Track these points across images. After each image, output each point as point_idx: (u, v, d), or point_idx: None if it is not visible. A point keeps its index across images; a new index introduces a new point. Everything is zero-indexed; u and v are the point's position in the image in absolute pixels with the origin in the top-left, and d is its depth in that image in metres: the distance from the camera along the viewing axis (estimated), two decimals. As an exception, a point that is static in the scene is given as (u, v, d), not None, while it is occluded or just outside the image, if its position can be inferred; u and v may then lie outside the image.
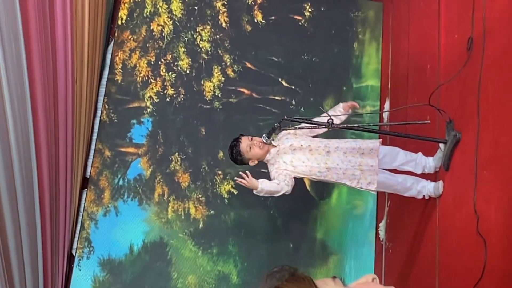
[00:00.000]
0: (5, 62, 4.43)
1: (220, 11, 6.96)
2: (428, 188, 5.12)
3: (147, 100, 6.64)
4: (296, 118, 4.97)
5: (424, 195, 5.17)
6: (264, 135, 4.94)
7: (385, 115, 6.67)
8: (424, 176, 5.24)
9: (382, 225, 6.41)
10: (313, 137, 5.20)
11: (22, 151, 4.82)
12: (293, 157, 4.92)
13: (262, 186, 4.75)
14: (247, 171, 4.81)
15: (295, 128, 5.04)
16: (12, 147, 4.62)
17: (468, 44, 4.95)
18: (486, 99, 4.54)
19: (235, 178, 4.89)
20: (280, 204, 6.38)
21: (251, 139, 5.02)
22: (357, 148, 5.02)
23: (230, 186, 6.37)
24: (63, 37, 5.42)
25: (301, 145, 4.98)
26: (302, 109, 6.68)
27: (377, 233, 6.55)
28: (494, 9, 4.64)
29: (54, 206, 5.64)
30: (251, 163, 5.11)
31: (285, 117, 4.93)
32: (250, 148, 4.95)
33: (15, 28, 4.59)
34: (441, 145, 5.08)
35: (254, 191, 4.88)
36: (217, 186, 6.51)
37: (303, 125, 4.90)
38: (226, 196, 6.45)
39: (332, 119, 4.76)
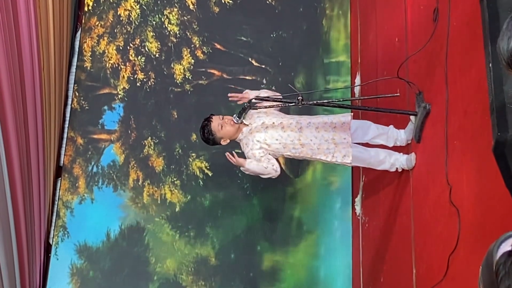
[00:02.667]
0: None
1: (187, -7, 7.71)
2: (400, 161, 5.10)
3: (117, 86, 6.63)
4: (265, 98, 4.89)
5: (397, 168, 5.15)
6: (234, 115, 4.90)
7: (356, 90, 6.65)
8: (396, 149, 5.24)
9: (358, 200, 6.38)
10: (285, 113, 5.26)
11: None
12: (265, 135, 4.94)
13: (249, 166, 4.78)
14: (233, 152, 4.82)
15: (266, 107, 4.95)
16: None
17: (434, 15, 4.98)
18: (454, 70, 4.55)
19: (226, 153, 4.84)
20: (256, 184, 6.39)
21: (222, 118, 5.00)
22: (329, 123, 5.04)
23: (203, 165, 6.29)
24: (27, 25, 5.35)
25: (273, 123, 4.99)
26: (273, 87, 6.62)
27: (353, 209, 6.51)
28: None
29: (28, 197, 5.63)
30: (223, 142, 5.07)
31: (255, 97, 4.97)
32: (221, 126, 4.92)
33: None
34: (412, 118, 5.08)
35: (242, 169, 4.96)
36: (191, 168, 6.46)
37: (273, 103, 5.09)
38: (200, 176, 6.41)
39: (302, 97, 4.88)
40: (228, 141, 5.15)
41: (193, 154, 6.38)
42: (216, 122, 5.03)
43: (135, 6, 6.86)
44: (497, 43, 2.30)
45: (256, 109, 5.07)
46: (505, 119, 3.39)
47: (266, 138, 4.96)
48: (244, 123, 5.08)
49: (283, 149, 4.97)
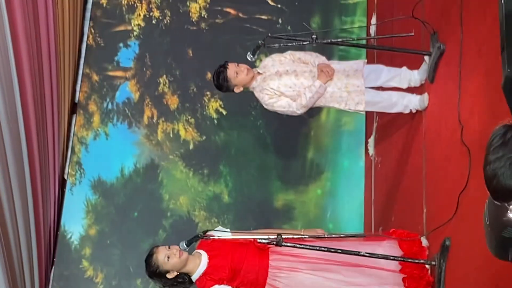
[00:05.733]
0: None
1: None
2: (414, 102, 5.10)
3: (133, 23, 6.59)
4: (280, 35, 4.95)
5: (411, 109, 5.15)
6: (249, 53, 4.89)
7: (372, 31, 6.61)
8: (410, 90, 5.23)
9: (371, 140, 6.37)
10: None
11: (4, 77, 4.75)
12: (279, 83, 4.94)
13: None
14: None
15: (279, 46, 4.92)
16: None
17: None
18: (468, 9, 4.56)
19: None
20: (270, 123, 6.38)
21: (238, 65, 4.98)
22: (341, 71, 5.04)
23: (218, 104, 6.34)
24: None
25: (287, 70, 4.97)
26: (289, 27, 6.61)
27: (366, 149, 6.52)
28: None
29: (42, 132, 5.66)
30: (237, 90, 5.07)
31: (269, 34, 4.99)
32: (236, 74, 4.92)
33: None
34: (426, 58, 5.05)
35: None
36: (206, 107, 6.48)
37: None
38: (215, 116, 6.44)
39: (316, 35, 4.91)
40: (242, 89, 5.12)
41: (208, 93, 6.38)
42: (232, 70, 4.98)
43: None
44: None
45: (271, 47, 5.01)
46: None
47: (279, 86, 4.96)
48: (259, 72, 5.07)
49: (296, 97, 4.97)
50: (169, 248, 4.42)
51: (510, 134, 2.09)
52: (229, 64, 5.01)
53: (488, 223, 2.63)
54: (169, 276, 4.43)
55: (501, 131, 2.17)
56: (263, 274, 4.46)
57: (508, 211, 2.40)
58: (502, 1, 3.43)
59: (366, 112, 6.12)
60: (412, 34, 4.96)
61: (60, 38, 5.85)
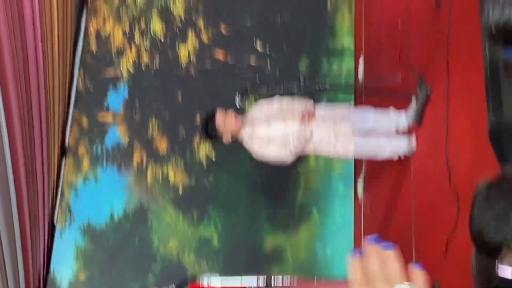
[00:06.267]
0: None
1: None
2: (401, 146, 5.18)
3: (122, 68, 6.74)
4: (267, 82, 5.31)
5: (399, 156, 5.25)
6: (237, 99, 4.94)
7: (360, 73, 6.67)
8: (398, 133, 5.39)
9: (359, 183, 6.54)
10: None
11: None
12: (268, 131, 4.90)
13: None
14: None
15: (268, 91, 5.13)
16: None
17: (435, 2, 5.12)
18: (455, 54, 4.70)
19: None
20: (259, 166, 6.21)
21: (226, 113, 5.00)
22: (328, 117, 5.12)
23: (207, 148, 6.36)
24: (30, 5, 5.34)
25: (275, 119, 4.95)
26: (277, 72, 6.68)
27: (355, 192, 6.66)
28: None
29: (31, 177, 5.72)
30: (225, 140, 5.05)
31: (257, 81, 5.14)
32: (225, 122, 4.93)
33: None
34: (413, 101, 5.19)
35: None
36: (195, 151, 6.60)
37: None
38: (204, 159, 6.50)
39: (304, 78, 4.98)
40: (230, 139, 5.08)
41: (197, 137, 6.45)
42: (220, 117, 5.03)
43: None
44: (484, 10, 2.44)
45: (259, 93, 5.29)
46: (500, 103, 3.49)
47: (268, 135, 5.01)
48: (247, 120, 5.12)
49: (285, 145, 4.98)
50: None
51: (493, 191, 2.11)
52: (218, 111, 5.05)
53: (475, 272, 2.67)
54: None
55: (484, 188, 2.22)
56: None
57: (496, 268, 2.43)
58: (487, 50, 3.58)
59: (356, 157, 6.44)
60: (400, 78, 5.15)
61: (50, 83, 5.92)
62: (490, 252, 2.16)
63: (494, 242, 2.04)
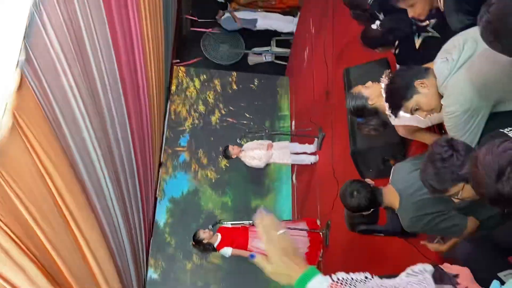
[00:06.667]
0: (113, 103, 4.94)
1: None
2: (313, 159, 7.35)
3: (187, 125, 9.71)
4: (251, 130, 7.38)
5: (312, 163, 7.35)
6: (237, 139, 7.60)
7: (293, 126, 9.15)
8: (311, 153, 7.19)
9: (294, 175, 8.92)
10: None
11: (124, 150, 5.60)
12: (254, 153, 7.48)
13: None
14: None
15: (254, 135, 7.45)
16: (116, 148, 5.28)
17: (325, 93, 6.75)
18: (335, 118, 6.23)
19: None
20: (249, 170, 9.04)
21: (233, 147, 7.28)
22: (279, 147, 7.42)
23: (225, 162, 9.45)
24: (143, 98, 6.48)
25: (256, 147, 7.38)
26: (256, 126, 9.50)
27: (292, 180, 9.06)
28: (336, 75, 6.33)
29: (148, 173, 7.22)
30: (233, 156, 7.21)
31: (246, 130, 7.43)
32: (233, 150, 7.38)
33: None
34: (316, 139, 7.01)
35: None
36: (220, 162, 9.85)
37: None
38: (223, 167, 9.94)
39: (267, 129, 7.28)
40: (234, 157, 7.52)
41: (220, 157, 9.54)
42: (230, 148, 7.44)
43: (194, 85, 10.27)
44: (346, 100, 3.23)
45: (248, 136, 7.46)
46: (355, 141, 4.67)
47: (254, 155, 7.44)
48: (243, 149, 7.50)
49: (262, 159, 7.19)
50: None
51: (353, 183, 3.35)
52: (229, 146, 6.95)
53: (346, 214, 3.74)
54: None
55: (348, 182, 3.31)
56: (246, 239, 6.05)
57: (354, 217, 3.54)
58: (348, 118, 4.74)
59: (292, 164, 8.25)
60: (310, 129, 7.02)
61: (155, 134, 7.64)
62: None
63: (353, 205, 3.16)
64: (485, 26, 2.05)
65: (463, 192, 2.39)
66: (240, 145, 7.45)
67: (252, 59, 10.56)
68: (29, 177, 3.35)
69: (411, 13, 3.21)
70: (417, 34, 3.70)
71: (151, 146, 7.50)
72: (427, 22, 3.59)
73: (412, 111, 2.76)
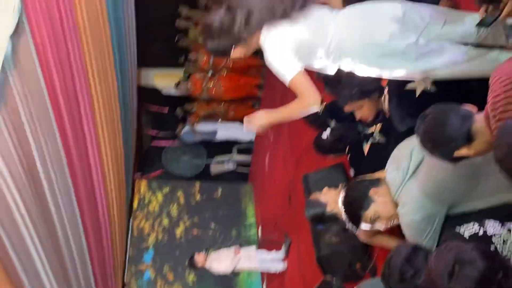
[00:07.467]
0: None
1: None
2: (281, 267, 7.43)
3: (149, 242, 9.30)
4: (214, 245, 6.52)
5: (280, 271, 7.34)
6: (204, 251, 7.42)
7: (259, 233, 9.14)
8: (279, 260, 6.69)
9: (264, 285, 8.84)
10: None
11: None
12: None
13: None
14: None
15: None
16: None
17: (288, 198, 6.97)
18: (295, 224, 6.38)
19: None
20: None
21: (199, 256, 7.27)
22: (247, 252, 7.57)
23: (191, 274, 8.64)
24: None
25: None
26: (221, 238, 9.44)
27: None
28: (297, 179, 6.25)
29: None
30: (199, 265, 7.37)
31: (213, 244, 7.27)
32: (198, 259, 7.34)
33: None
34: (284, 244, 7.14)
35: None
36: (188, 271, 9.60)
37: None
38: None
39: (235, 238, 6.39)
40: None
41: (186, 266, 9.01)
42: (197, 257, 7.86)
43: (156, 199, 10.33)
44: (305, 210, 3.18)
45: (213, 249, 6.96)
46: (319, 247, 4.72)
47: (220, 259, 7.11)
48: None
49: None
50: None
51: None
52: (196, 253, 7.34)
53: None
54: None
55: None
56: None
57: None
58: (310, 224, 4.60)
59: (261, 272, 8.12)
60: (276, 235, 7.11)
61: (117, 254, 7.13)
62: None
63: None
64: (423, 135, 2.26)
65: None
66: (206, 253, 7.35)
67: (215, 168, 10.78)
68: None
69: (358, 115, 3.39)
70: (365, 140, 3.80)
71: (112, 266, 7.40)
72: (374, 127, 3.73)
73: (372, 221, 2.86)
